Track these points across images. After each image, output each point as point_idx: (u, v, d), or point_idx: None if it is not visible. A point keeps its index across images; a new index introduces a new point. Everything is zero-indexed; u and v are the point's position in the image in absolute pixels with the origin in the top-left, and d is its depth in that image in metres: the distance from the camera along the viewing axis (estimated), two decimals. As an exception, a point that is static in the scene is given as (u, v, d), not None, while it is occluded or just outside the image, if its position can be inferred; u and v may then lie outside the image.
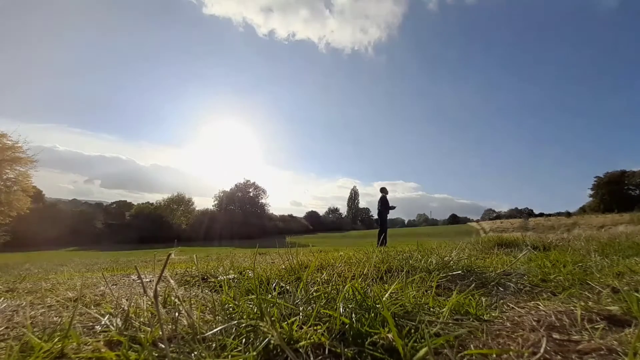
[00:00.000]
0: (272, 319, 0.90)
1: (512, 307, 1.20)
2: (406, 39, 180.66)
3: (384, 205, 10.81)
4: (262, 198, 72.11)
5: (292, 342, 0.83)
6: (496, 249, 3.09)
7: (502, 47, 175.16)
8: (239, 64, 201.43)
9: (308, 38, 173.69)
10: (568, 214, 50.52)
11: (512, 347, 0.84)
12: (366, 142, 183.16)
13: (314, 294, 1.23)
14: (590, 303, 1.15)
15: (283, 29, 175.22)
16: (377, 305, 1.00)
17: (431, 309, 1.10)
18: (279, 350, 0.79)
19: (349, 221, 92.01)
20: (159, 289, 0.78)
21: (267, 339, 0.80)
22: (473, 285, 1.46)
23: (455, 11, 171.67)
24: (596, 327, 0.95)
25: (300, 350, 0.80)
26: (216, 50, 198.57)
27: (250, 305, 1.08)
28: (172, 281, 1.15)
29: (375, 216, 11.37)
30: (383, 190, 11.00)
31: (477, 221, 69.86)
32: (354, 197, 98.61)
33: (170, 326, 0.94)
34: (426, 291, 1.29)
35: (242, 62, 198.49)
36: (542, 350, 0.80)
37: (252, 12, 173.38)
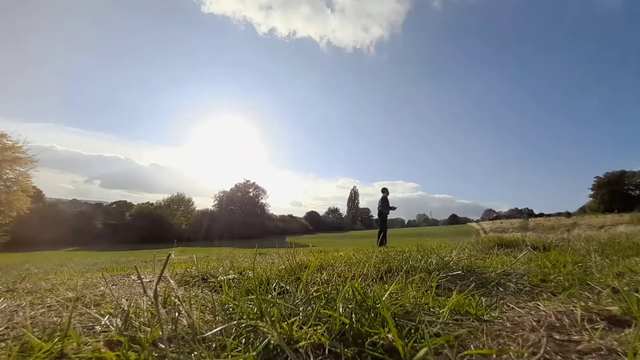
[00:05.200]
0: (272, 319, 0.90)
1: (512, 308, 1.20)
2: (409, 38, 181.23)
3: (385, 205, 10.82)
4: (262, 198, 72.12)
5: (292, 342, 0.83)
6: (496, 249, 3.09)
7: (504, 47, 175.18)
8: (239, 62, 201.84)
9: (309, 36, 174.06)
10: (568, 214, 50.46)
11: (512, 347, 0.84)
12: (366, 141, 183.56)
13: (314, 294, 1.23)
14: (590, 303, 1.15)
15: (283, 27, 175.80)
16: (377, 306, 1.00)
17: (431, 309, 1.10)
18: (279, 350, 0.79)
19: (349, 221, 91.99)
20: (159, 289, 0.78)
21: (267, 339, 0.80)
22: (473, 285, 1.46)
23: (459, 10, 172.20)
24: (596, 327, 0.95)
25: (300, 350, 0.80)
26: (216, 49, 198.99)
27: (250, 306, 1.08)
28: (172, 281, 1.15)
29: (376, 216, 11.38)
30: (384, 191, 11.02)
31: (477, 221, 69.80)
32: (354, 197, 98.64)
33: (170, 326, 0.94)
34: (426, 291, 1.29)
35: (242, 61, 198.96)
36: (542, 351, 0.79)
37: (251, 11, 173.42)
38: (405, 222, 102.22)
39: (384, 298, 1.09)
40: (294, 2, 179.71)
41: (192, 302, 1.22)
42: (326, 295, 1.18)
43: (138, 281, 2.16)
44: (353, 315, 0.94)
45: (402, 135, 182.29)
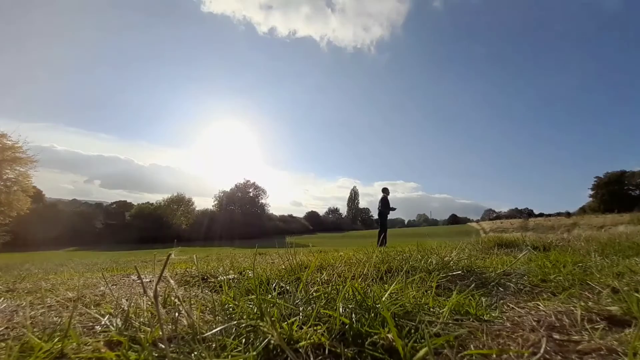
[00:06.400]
0: (272, 319, 0.90)
1: (512, 307, 1.20)
2: (409, 38, 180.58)
3: (385, 205, 10.83)
4: (262, 198, 72.18)
5: (292, 342, 0.83)
6: (496, 249, 3.09)
7: (505, 47, 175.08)
8: (239, 62, 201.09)
9: (309, 36, 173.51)
10: (568, 214, 50.35)
11: (512, 347, 0.84)
12: (366, 142, 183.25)
13: (314, 294, 1.23)
14: (590, 303, 1.15)
15: (284, 27, 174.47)
16: (377, 306, 1.00)
17: (431, 309, 1.10)
18: (279, 350, 0.79)
19: (349, 221, 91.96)
20: (159, 289, 0.78)
21: (267, 339, 0.80)
22: (473, 285, 1.46)
23: (460, 10, 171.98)
24: (596, 327, 0.95)
25: (300, 350, 0.80)
26: (216, 48, 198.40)
27: (250, 305, 1.08)
28: (172, 281, 1.15)
29: (376, 216, 11.39)
30: (384, 191, 11.03)
31: (477, 221, 69.73)
32: (354, 197, 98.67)
33: (170, 326, 0.94)
34: (426, 291, 1.29)
35: (242, 60, 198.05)
36: (542, 351, 0.80)
37: (251, 10, 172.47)
38: (405, 222, 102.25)
39: (384, 298, 1.09)
40: (294, 1, 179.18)
41: (192, 302, 1.22)
42: (326, 295, 1.18)
43: (138, 281, 2.16)
44: (353, 315, 0.94)
45: (403, 135, 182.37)
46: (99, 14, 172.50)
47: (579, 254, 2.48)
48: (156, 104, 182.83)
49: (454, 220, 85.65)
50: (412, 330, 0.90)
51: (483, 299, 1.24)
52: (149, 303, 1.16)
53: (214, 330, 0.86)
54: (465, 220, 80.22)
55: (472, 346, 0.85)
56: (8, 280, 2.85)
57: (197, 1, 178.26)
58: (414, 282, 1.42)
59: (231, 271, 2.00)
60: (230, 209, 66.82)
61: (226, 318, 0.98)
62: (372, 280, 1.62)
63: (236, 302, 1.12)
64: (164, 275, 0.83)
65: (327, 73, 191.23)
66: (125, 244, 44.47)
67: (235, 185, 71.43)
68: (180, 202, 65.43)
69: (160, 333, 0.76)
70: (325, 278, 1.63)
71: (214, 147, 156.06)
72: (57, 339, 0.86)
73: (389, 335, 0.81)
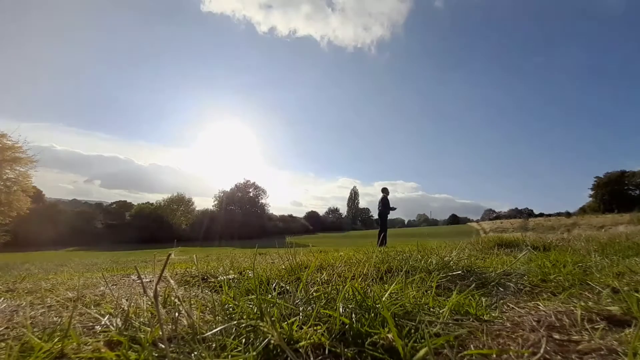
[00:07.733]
0: (272, 319, 0.90)
1: (512, 307, 1.20)
2: (410, 37, 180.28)
3: (385, 205, 10.83)
4: (262, 198, 72.13)
5: (292, 342, 0.83)
6: (496, 249, 3.09)
7: (506, 48, 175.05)
8: (239, 62, 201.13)
9: (310, 35, 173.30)
10: (568, 214, 50.33)
11: (512, 347, 0.84)
12: (366, 141, 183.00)
13: (314, 294, 1.23)
14: (590, 303, 1.15)
15: (284, 26, 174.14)
16: (377, 306, 1.00)
17: (431, 309, 1.10)
18: (279, 350, 0.79)
19: (349, 221, 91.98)
20: (159, 289, 0.78)
21: (267, 339, 0.80)
22: (473, 285, 1.46)
23: (461, 9, 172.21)
24: (596, 327, 0.95)
25: (300, 350, 0.80)
26: (215, 48, 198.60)
27: (250, 305, 1.08)
28: (172, 281, 1.15)
29: (376, 216, 11.39)
30: (384, 191, 11.03)
31: (477, 221, 69.72)
32: (354, 197, 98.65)
33: (170, 326, 0.94)
34: (426, 291, 1.29)
35: (242, 60, 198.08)
36: (542, 351, 0.80)
37: (251, 9, 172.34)
38: (405, 222, 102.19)
39: (384, 298, 1.09)
40: (295, 1, 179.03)
41: (192, 302, 1.22)
42: (326, 295, 1.18)
43: (138, 281, 2.16)
44: (353, 315, 0.94)
45: (403, 135, 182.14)
46: (99, 13, 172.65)
47: (579, 254, 2.49)
48: (156, 103, 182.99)
49: (454, 220, 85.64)
50: (412, 330, 0.90)
51: (483, 299, 1.24)
52: (149, 303, 1.16)
53: (214, 330, 0.86)
54: (465, 220, 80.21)
55: (472, 346, 0.85)
56: (8, 280, 2.85)
57: (197, 1, 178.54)
58: (414, 282, 1.42)
59: (231, 271, 2.00)
60: (230, 209, 66.77)
61: (226, 318, 0.98)
62: (372, 280, 1.62)
63: (236, 302, 1.12)
64: (164, 275, 0.83)
65: (328, 73, 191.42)
66: (125, 244, 44.45)
67: (235, 185, 71.44)
68: (180, 202, 65.43)
69: (160, 333, 0.76)
70: (325, 278, 1.63)
71: (214, 146, 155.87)
72: (57, 339, 0.86)
73: (389, 335, 0.81)
